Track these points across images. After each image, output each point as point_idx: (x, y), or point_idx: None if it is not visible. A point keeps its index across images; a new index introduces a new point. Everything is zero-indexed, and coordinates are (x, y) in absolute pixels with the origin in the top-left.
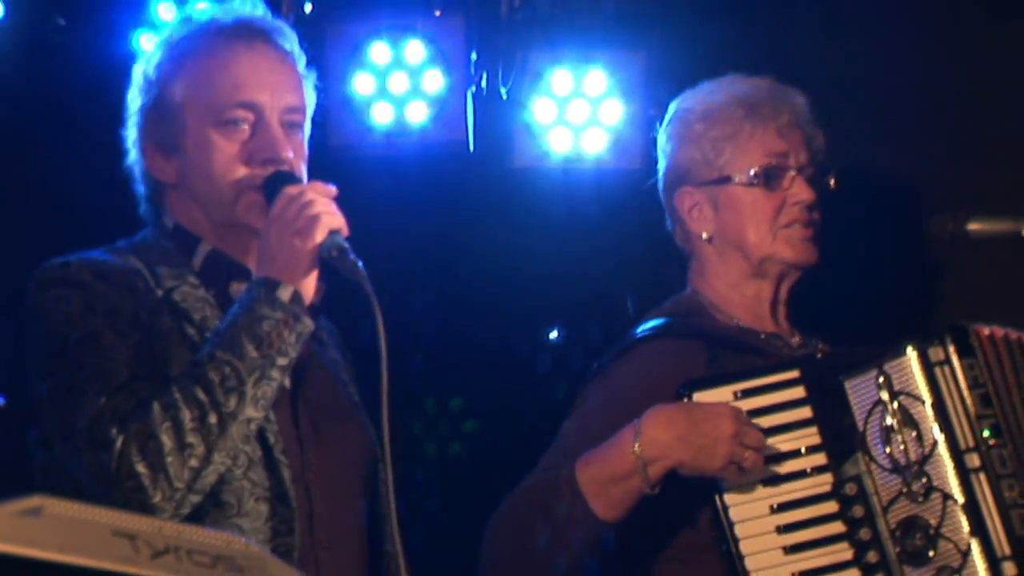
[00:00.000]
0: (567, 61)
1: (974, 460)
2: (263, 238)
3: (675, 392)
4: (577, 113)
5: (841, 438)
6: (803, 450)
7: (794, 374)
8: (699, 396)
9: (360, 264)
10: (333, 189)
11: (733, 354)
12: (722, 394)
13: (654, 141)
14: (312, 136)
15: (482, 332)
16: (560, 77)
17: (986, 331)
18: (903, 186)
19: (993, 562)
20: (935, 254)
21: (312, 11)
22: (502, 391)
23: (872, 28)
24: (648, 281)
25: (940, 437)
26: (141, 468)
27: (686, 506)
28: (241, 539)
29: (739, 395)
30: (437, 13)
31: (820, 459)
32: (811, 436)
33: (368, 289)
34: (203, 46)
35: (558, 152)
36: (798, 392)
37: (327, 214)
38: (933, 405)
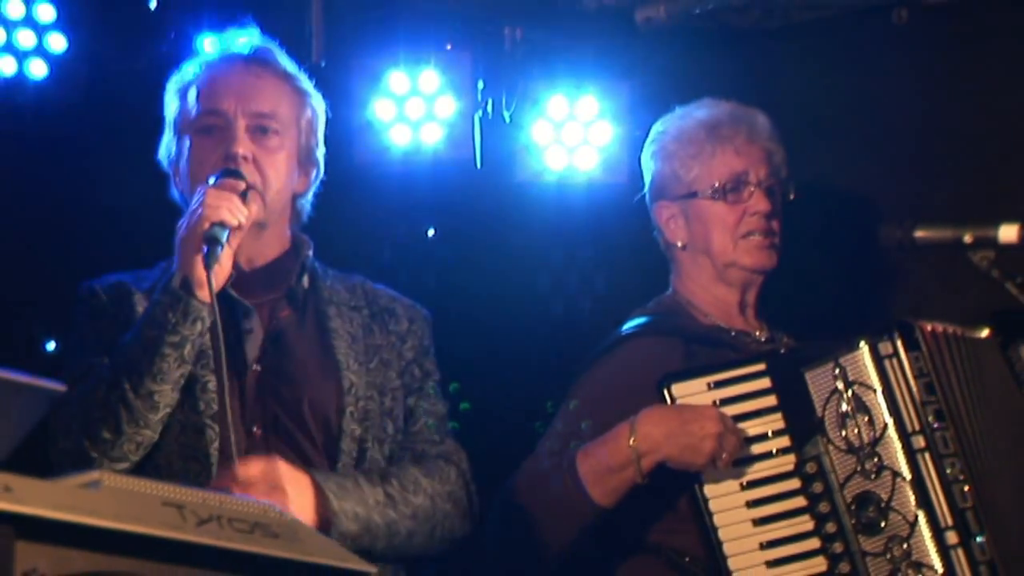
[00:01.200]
0: (562, 88)
1: (920, 441)
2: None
3: (656, 384)
4: (571, 135)
5: (803, 423)
6: (769, 434)
7: (760, 367)
8: (677, 387)
9: (216, 257)
10: (239, 185)
11: (708, 349)
12: (697, 385)
13: (639, 159)
14: (338, 155)
15: (484, 323)
16: (556, 102)
17: (929, 327)
18: (859, 197)
19: (937, 531)
20: (886, 258)
21: (339, 46)
22: (495, 375)
23: (839, 56)
24: (631, 281)
25: (890, 421)
26: (64, 444)
27: (670, 487)
28: (276, 507)
29: (712, 385)
30: (448, 47)
31: (784, 442)
32: (776, 421)
33: (210, 282)
34: (194, 75)
35: (554, 169)
36: (764, 383)
37: (211, 207)
38: (883, 393)
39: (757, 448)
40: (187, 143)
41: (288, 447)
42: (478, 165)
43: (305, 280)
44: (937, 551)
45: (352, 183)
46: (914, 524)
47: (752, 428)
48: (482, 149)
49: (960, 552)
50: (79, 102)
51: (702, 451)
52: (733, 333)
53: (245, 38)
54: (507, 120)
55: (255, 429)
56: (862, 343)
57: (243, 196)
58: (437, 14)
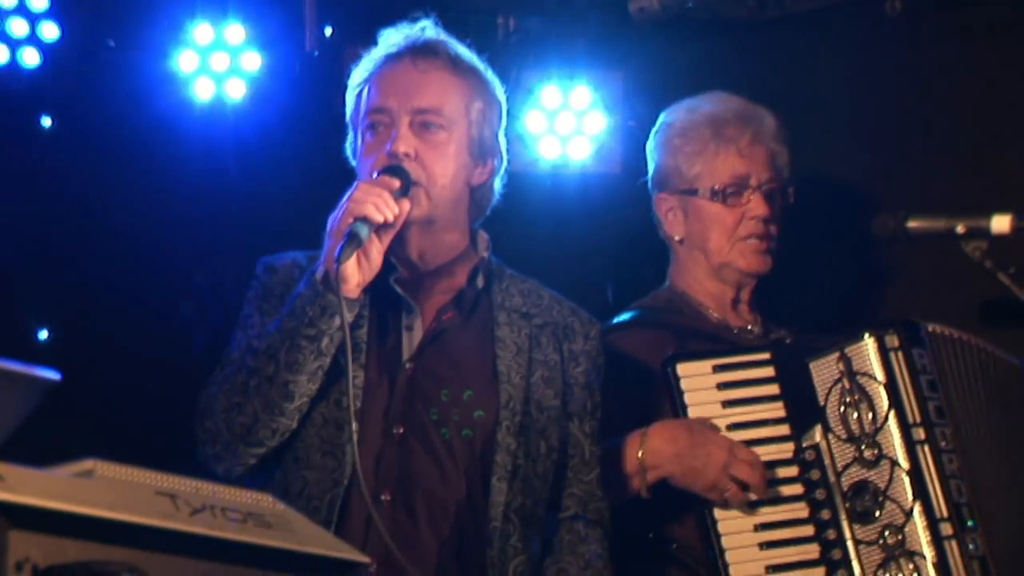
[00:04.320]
0: (556, 78)
1: (920, 433)
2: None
3: (647, 374)
4: (564, 124)
5: (803, 412)
6: (770, 421)
7: (766, 356)
8: (682, 366)
9: (350, 254)
10: (394, 183)
11: (702, 342)
12: (702, 366)
13: (632, 149)
14: (331, 143)
15: None
16: (549, 92)
17: (935, 328)
18: (851, 187)
19: (932, 522)
20: (880, 249)
21: (332, 35)
22: None
23: (832, 47)
24: (624, 271)
25: (891, 412)
26: (206, 424)
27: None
28: (269, 497)
29: (716, 368)
30: None
31: (784, 430)
32: (777, 409)
33: (336, 278)
34: (367, 75)
35: (548, 158)
36: (768, 371)
37: (357, 203)
38: (886, 384)
39: (757, 434)
40: (359, 141)
41: (424, 451)
42: None
43: (479, 280)
44: (931, 542)
45: (344, 172)
46: (910, 514)
47: (753, 414)
48: None
49: (954, 544)
50: (72, 91)
51: (705, 477)
52: (733, 329)
53: (418, 30)
54: None
55: (396, 429)
56: (867, 335)
57: (403, 193)
58: (430, 4)
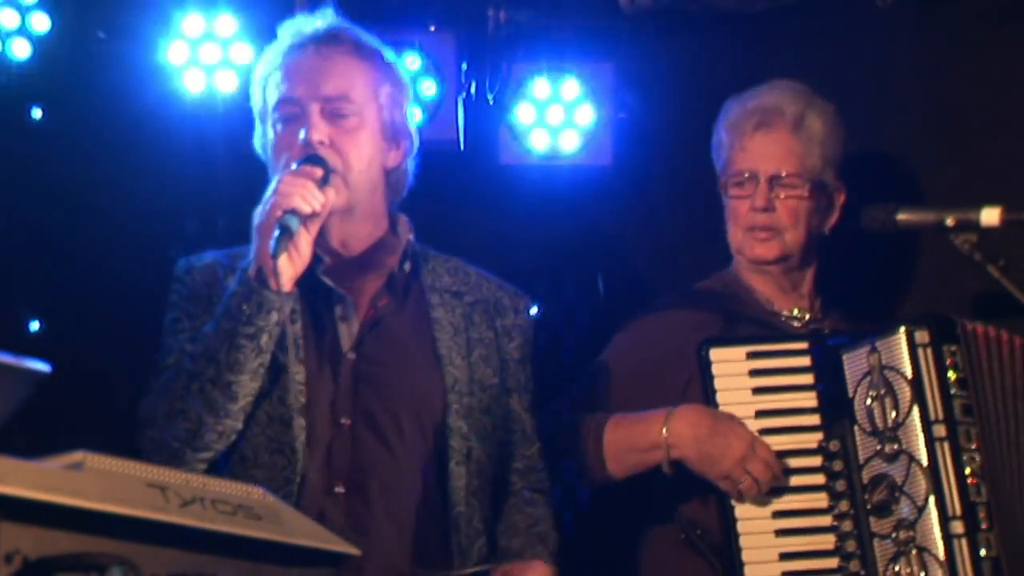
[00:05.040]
0: (546, 70)
1: (940, 431)
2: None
3: (687, 352)
4: (554, 116)
5: (833, 403)
6: (800, 410)
7: (803, 345)
8: (715, 351)
9: (284, 246)
10: (316, 172)
11: (747, 326)
12: (736, 352)
13: (623, 141)
14: None
15: None
16: (539, 84)
17: (972, 326)
18: (846, 182)
19: (944, 519)
20: (871, 242)
21: None
22: None
23: (822, 40)
24: (615, 263)
25: (914, 407)
26: (149, 433)
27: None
28: (259, 489)
29: (751, 355)
30: (432, 28)
31: (814, 419)
32: (809, 399)
33: (276, 271)
34: (272, 64)
35: (538, 150)
36: (804, 361)
37: (284, 195)
38: (912, 379)
39: (786, 422)
40: (271, 133)
41: (376, 439)
42: (461, 147)
43: (407, 265)
44: (941, 538)
45: None
46: (923, 509)
47: (784, 403)
48: (465, 131)
49: (964, 542)
50: (62, 82)
51: (719, 467)
52: (782, 315)
53: (319, 20)
54: (490, 102)
55: (344, 420)
56: (901, 328)
57: (323, 182)
58: None
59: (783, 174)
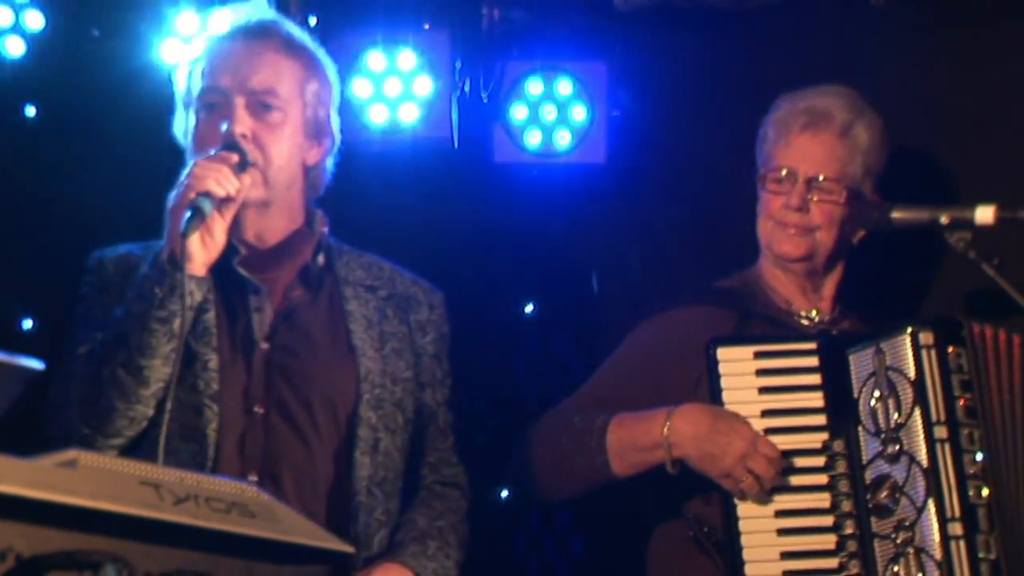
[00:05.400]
0: (539, 69)
1: (942, 432)
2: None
3: (700, 350)
4: (548, 114)
5: (839, 403)
6: (806, 410)
7: (811, 346)
8: (722, 350)
9: (196, 227)
10: (232, 157)
11: (763, 325)
12: (743, 352)
13: (616, 140)
14: None
15: (459, 303)
16: (533, 83)
17: (978, 327)
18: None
19: (943, 520)
20: (869, 241)
21: (316, 23)
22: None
23: (817, 39)
24: (609, 260)
25: (916, 409)
26: (59, 419)
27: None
28: (252, 487)
29: (758, 355)
30: (426, 27)
31: (819, 420)
32: (815, 400)
33: (183, 253)
34: (199, 53)
35: (531, 148)
36: (811, 361)
37: (197, 178)
38: (914, 381)
39: (791, 422)
40: (193, 120)
41: (289, 428)
42: (455, 145)
43: (320, 258)
44: (939, 540)
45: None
46: (921, 511)
47: (790, 403)
48: (459, 129)
49: (962, 544)
50: (56, 80)
51: (719, 465)
52: (796, 316)
53: (251, 11)
54: (484, 100)
55: (257, 408)
56: (907, 329)
57: (240, 168)
58: None
59: (822, 177)
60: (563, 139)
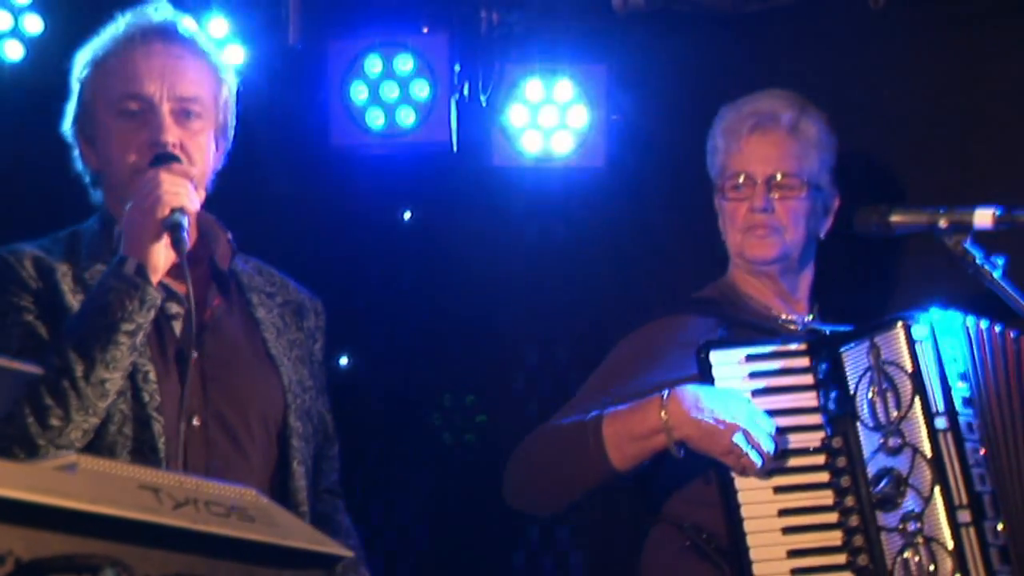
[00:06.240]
0: (539, 72)
1: (943, 422)
2: (124, 216)
3: (688, 358)
4: (547, 118)
5: (835, 401)
6: (801, 410)
7: (801, 346)
8: (715, 354)
9: (185, 242)
10: (192, 171)
11: (748, 332)
12: (735, 355)
13: (616, 143)
14: (314, 137)
15: (458, 307)
16: (532, 86)
17: (969, 318)
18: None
19: (951, 509)
20: (864, 243)
21: (315, 28)
22: (468, 358)
23: (815, 41)
24: (608, 265)
25: (916, 400)
26: (8, 430)
27: (694, 456)
28: (252, 491)
29: (749, 358)
30: (424, 30)
31: (815, 419)
32: (810, 399)
33: (184, 266)
34: (111, 49)
35: (530, 152)
36: (803, 362)
37: (170, 193)
38: (912, 373)
39: (787, 422)
40: (105, 124)
41: (228, 440)
42: (454, 148)
43: (233, 264)
44: (949, 528)
45: (327, 166)
46: (929, 500)
47: (785, 403)
48: (458, 132)
49: (972, 531)
50: (55, 85)
51: (720, 441)
52: (779, 320)
53: (158, 12)
54: (483, 103)
55: (195, 421)
56: (899, 323)
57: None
58: None
59: (780, 175)
60: (562, 143)
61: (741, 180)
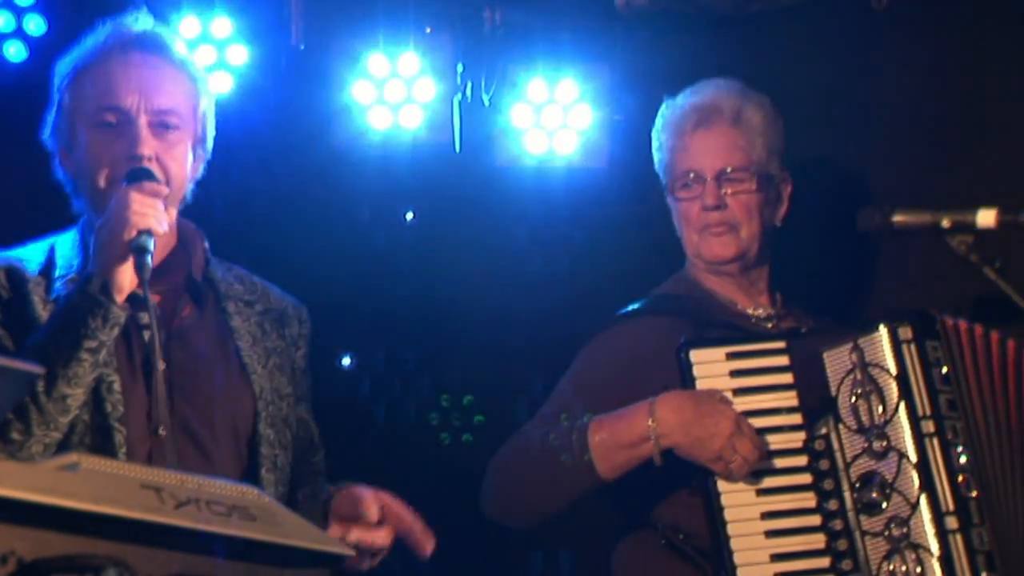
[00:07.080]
0: (542, 72)
1: (929, 426)
2: (95, 232)
3: (660, 360)
4: (551, 118)
5: (816, 402)
6: (782, 410)
7: (781, 344)
8: (695, 353)
9: (149, 267)
10: (163, 189)
11: (720, 330)
12: (715, 353)
13: (619, 143)
14: (317, 137)
15: (463, 306)
16: (536, 86)
17: (952, 321)
18: (837, 182)
19: (938, 515)
20: (866, 243)
21: (319, 28)
22: (472, 356)
23: (818, 42)
24: (611, 265)
25: (901, 404)
26: None
27: (677, 463)
28: (254, 490)
29: (730, 356)
30: (428, 30)
31: (796, 419)
32: (790, 399)
33: (146, 291)
34: (90, 60)
35: (534, 152)
36: (782, 360)
37: (139, 215)
38: (897, 376)
39: (768, 422)
40: (83, 135)
41: (195, 449)
42: (457, 148)
43: (207, 273)
44: (936, 534)
45: (330, 166)
46: (915, 506)
47: (765, 403)
48: (461, 132)
49: (959, 538)
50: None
51: (710, 448)
52: (750, 317)
53: (137, 22)
54: (486, 103)
55: (162, 430)
56: (881, 326)
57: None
58: None
59: (729, 169)
60: (566, 143)
61: (691, 178)
